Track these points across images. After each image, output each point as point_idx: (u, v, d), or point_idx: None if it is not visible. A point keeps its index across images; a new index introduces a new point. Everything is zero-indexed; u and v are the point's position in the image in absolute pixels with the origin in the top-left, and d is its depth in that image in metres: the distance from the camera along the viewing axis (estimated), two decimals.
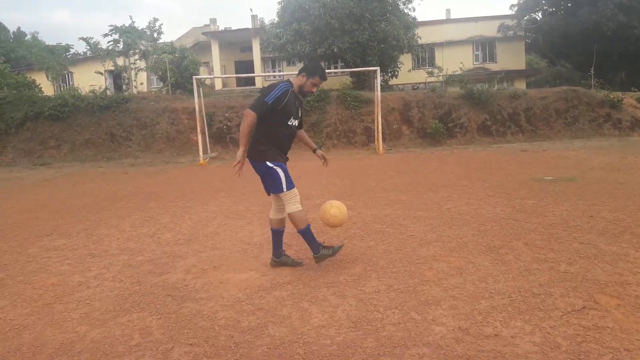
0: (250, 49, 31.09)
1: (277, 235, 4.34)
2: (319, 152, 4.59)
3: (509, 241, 4.81)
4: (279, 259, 4.36)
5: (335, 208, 4.25)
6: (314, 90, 4.16)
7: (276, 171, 4.02)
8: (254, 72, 30.71)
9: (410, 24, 24.68)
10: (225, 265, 4.50)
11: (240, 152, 3.95)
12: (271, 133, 4.05)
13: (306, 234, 4.09)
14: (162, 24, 23.45)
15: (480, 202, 6.81)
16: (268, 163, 4.01)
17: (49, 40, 30.45)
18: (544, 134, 17.49)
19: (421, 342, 2.85)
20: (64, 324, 3.38)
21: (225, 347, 2.91)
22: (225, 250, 5.05)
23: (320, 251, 4.11)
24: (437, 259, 4.36)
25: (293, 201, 4.05)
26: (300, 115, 4.23)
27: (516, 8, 31.35)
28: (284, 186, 4.02)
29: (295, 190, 4.08)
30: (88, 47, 29.09)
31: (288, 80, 4.10)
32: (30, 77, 24.46)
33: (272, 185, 4.09)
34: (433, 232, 5.31)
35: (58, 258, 5.06)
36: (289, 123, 4.09)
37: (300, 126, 4.36)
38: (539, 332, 2.89)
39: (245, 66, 31.80)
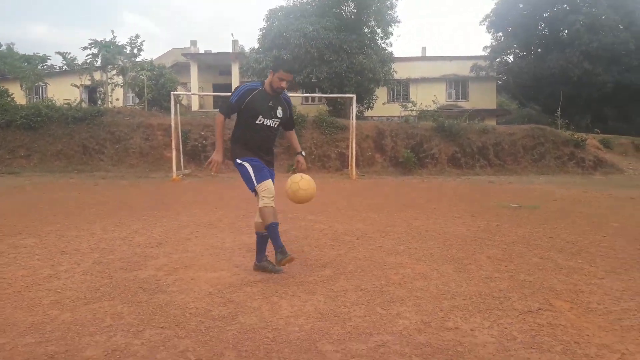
0: (229, 73, 31.39)
1: (261, 239, 4.28)
2: (299, 157, 4.45)
3: (472, 254, 5.02)
4: (260, 263, 4.32)
5: (306, 181, 4.13)
6: (283, 85, 4.05)
7: (244, 166, 4.07)
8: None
9: (387, 59, 25.48)
10: (197, 265, 4.57)
11: (215, 152, 4.12)
12: (240, 132, 4.17)
13: (272, 231, 3.96)
14: (143, 40, 23.42)
15: (447, 222, 7.05)
16: (237, 160, 4.11)
17: (26, 52, 30.53)
18: (511, 168, 18.09)
19: (385, 331, 2.98)
20: (34, 308, 3.39)
21: (196, 330, 2.99)
22: (197, 253, 5.10)
23: (269, 260, 4.27)
24: (404, 265, 4.53)
25: (263, 195, 3.98)
26: (278, 114, 4.16)
27: (489, 50, 32.67)
28: (254, 179, 4.01)
29: (266, 184, 4.00)
30: (64, 62, 29.04)
31: (259, 81, 4.24)
32: (2, 87, 24.13)
33: (245, 181, 4.11)
34: (401, 244, 5.49)
35: (27, 254, 5.02)
36: (258, 122, 4.08)
37: (285, 127, 4.42)
38: (496, 327, 3.06)
39: (223, 89, 32.02)
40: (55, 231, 6.28)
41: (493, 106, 33.34)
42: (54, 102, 19.89)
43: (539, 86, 30.24)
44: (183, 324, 3.09)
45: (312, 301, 3.53)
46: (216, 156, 4.11)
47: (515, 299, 3.60)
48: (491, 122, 29.63)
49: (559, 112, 22.04)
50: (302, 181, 4.13)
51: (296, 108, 21.58)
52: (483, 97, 32.85)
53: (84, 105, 21.86)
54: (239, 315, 3.24)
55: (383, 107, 29.07)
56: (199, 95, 30.75)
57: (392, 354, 2.66)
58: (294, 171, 4.51)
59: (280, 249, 3.94)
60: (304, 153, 4.52)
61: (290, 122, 4.44)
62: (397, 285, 3.91)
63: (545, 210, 8.36)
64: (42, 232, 6.19)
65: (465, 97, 33.72)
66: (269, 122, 4.13)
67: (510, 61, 33.53)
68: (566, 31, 29.24)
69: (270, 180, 4.07)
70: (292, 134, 4.53)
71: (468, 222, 7.00)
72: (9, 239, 5.80)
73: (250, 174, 4.04)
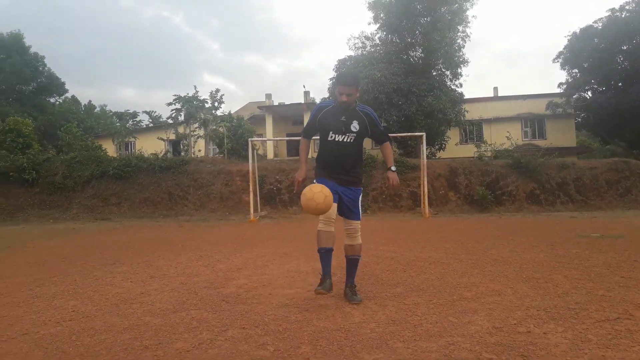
0: (301, 122, 32.46)
1: (348, 262, 4.16)
2: (389, 173, 4.18)
3: (548, 274, 4.91)
4: (346, 287, 4.15)
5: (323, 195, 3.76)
6: (344, 99, 3.94)
7: None
8: None
9: (457, 99, 25.29)
10: (274, 284, 4.81)
11: (297, 171, 4.26)
12: (319, 151, 4.27)
13: (321, 255, 3.98)
14: (223, 94, 24.96)
15: (524, 250, 6.88)
16: (315, 181, 4.11)
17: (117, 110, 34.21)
18: (595, 204, 17.19)
19: (456, 334, 3.04)
20: (129, 316, 3.75)
21: (274, 330, 3.19)
22: (274, 275, 5.35)
23: (325, 285, 3.91)
24: (477, 285, 4.52)
25: (320, 218, 3.95)
26: (352, 129, 4.01)
27: (565, 86, 31.65)
28: None
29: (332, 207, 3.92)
30: (150, 120, 31.48)
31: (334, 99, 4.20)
32: (97, 143, 26.43)
33: None
34: (475, 268, 5.45)
35: (121, 278, 5.50)
36: (329, 138, 4.05)
37: (375, 140, 4.26)
38: (571, 331, 3.02)
39: (297, 139, 33.12)
40: (145, 261, 6.79)
41: (573, 144, 31.93)
42: (142, 153, 21.49)
43: (622, 121, 28.77)
44: (262, 326, 3.31)
45: (384, 311, 3.65)
46: (298, 174, 4.25)
47: (592, 310, 3.51)
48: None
49: None
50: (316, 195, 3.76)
51: (370, 145, 21.86)
52: (561, 135, 31.59)
53: (169, 155, 23.42)
54: (314, 321, 3.41)
55: (456, 148, 28.72)
56: (274, 141, 31.92)
57: (462, 351, 2.72)
58: (390, 184, 4.20)
59: (322, 277, 3.93)
60: (393, 168, 4.18)
61: (376, 134, 4.17)
62: (470, 300, 3.92)
63: (630, 239, 7.92)
64: (133, 262, 6.71)
65: (542, 135, 32.58)
66: (340, 137, 4.03)
67: (588, 97, 32.26)
68: None
69: (334, 204, 3.98)
70: (384, 148, 4.24)
71: (546, 250, 6.79)
72: (104, 267, 6.34)
73: None
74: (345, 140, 4.05)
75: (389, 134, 4.17)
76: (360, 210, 4.15)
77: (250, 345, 2.90)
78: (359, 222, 4.10)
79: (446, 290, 4.29)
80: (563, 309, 3.55)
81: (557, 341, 2.84)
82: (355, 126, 4.03)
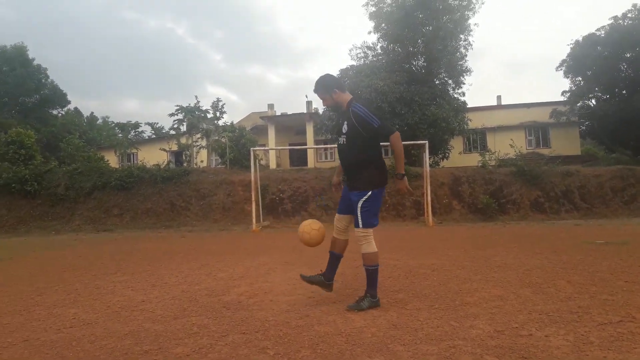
0: (304, 132, 32.56)
1: (368, 273, 4.07)
2: (395, 180, 4.07)
3: (552, 279, 4.90)
4: (366, 298, 4.02)
5: (314, 232, 4.28)
6: (324, 104, 4.25)
7: None
8: (307, 154, 32.13)
9: (460, 108, 25.29)
10: (276, 291, 4.82)
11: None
12: None
13: (330, 257, 4.27)
14: (224, 104, 25.05)
15: (528, 257, 6.86)
16: None
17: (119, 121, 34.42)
18: (600, 211, 17.09)
19: (457, 337, 3.04)
20: (130, 322, 3.77)
21: (275, 335, 3.21)
22: (276, 283, 5.36)
23: (312, 277, 4.30)
24: (480, 290, 4.52)
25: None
26: (343, 130, 4.06)
27: (568, 94, 31.66)
28: None
29: (336, 216, 4.24)
30: (153, 131, 31.62)
31: None
32: (99, 154, 26.54)
33: None
34: (478, 274, 5.45)
35: (122, 287, 5.51)
36: (338, 143, 4.20)
37: (378, 139, 4.08)
38: (573, 334, 3.03)
39: (300, 149, 33.25)
40: (146, 271, 6.80)
41: (577, 152, 31.89)
42: (144, 164, 21.56)
43: (627, 129, 28.71)
44: (263, 331, 3.32)
45: (385, 316, 3.65)
46: (333, 180, 4.61)
47: (595, 313, 3.52)
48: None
49: None
50: (311, 231, 4.29)
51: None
52: (566, 144, 31.57)
53: (171, 166, 23.49)
54: (315, 326, 3.42)
55: (460, 157, 28.73)
56: (276, 151, 31.98)
57: (463, 354, 2.73)
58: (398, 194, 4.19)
59: (322, 274, 4.22)
60: (400, 175, 4.02)
61: (372, 132, 3.91)
62: (472, 305, 3.93)
63: (635, 246, 7.89)
64: (134, 272, 6.73)
65: (546, 144, 32.57)
66: (340, 140, 4.14)
67: (592, 105, 32.23)
68: None
69: (338, 215, 4.22)
70: (391, 145, 3.95)
71: (549, 257, 6.78)
72: (106, 276, 6.36)
73: None
74: (341, 142, 4.13)
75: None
76: (362, 217, 3.95)
77: (251, 350, 2.92)
78: (359, 229, 3.97)
79: (448, 296, 4.29)
80: (565, 313, 3.55)
81: (559, 344, 2.84)
82: (344, 127, 4.05)
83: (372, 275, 4.01)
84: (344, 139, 4.06)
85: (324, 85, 4.08)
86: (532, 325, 3.26)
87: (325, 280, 4.16)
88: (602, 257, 6.56)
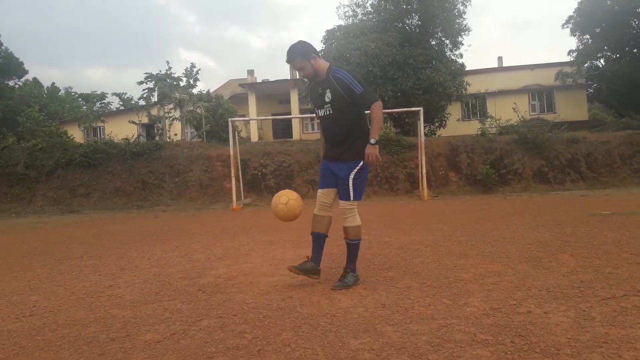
0: (288, 101, 32.35)
1: (349, 246, 4.17)
2: (367, 146, 3.92)
3: (553, 253, 4.97)
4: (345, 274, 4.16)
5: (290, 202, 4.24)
6: (301, 75, 4.10)
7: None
8: (291, 125, 31.99)
9: (458, 71, 25.14)
10: (256, 273, 4.84)
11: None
12: None
13: (313, 239, 4.19)
14: (199, 69, 24.69)
15: (529, 230, 6.95)
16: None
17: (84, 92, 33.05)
18: (607, 181, 17.35)
19: (450, 316, 3.08)
20: (96, 309, 3.76)
21: (254, 319, 3.23)
22: (257, 264, 5.38)
23: (302, 265, 4.13)
24: (475, 266, 4.58)
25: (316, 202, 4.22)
26: (326, 99, 3.99)
27: (575, 54, 31.65)
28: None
29: (319, 192, 4.19)
30: (121, 102, 31.24)
31: None
32: (62, 129, 26.22)
33: None
34: (474, 249, 5.51)
35: (89, 271, 5.49)
36: (318, 114, 4.17)
37: (360, 106, 4.02)
38: (573, 310, 3.08)
39: (283, 119, 33.07)
40: (115, 254, 6.78)
41: (584, 117, 32.09)
42: (112, 139, 21.36)
43: (638, 92, 28.95)
44: (241, 314, 3.34)
45: (374, 295, 3.69)
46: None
47: (597, 288, 3.57)
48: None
49: None
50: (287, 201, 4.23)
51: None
52: (572, 108, 31.71)
53: (142, 140, 23.30)
54: (298, 307, 3.45)
55: (458, 124, 28.75)
56: (258, 122, 31.78)
57: (455, 333, 2.77)
58: (368, 164, 3.98)
59: (308, 259, 4.11)
60: (373, 141, 3.91)
61: (355, 99, 3.92)
62: (467, 282, 3.97)
63: None
64: (102, 255, 6.71)
65: (551, 109, 32.69)
66: (322, 111, 4.09)
67: (601, 65, 32.33)
68: None
69: (322, 189, 4.17)
70: (370, 113, 3.94)
71: (552, 229, 6.87)
72: (70, 261, 6.34)
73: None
74: (325, 113, 4.08)
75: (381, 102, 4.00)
76: (353, 190, 4.02)
77: (227, 334, 2.93)
78: (347, 202, 4.03)
79: (441, 273, 4.34)
80: (567, 288, 3.60)
81: (559, 320, 2.89)
82: (328, 96, 4.00)
83: (355, 249, 4.12)
84: (329, 109, 4.03)
85: (303, 52, 3.96)
86: (530, 301, 3.31)
87: (316, 265, 4.13)
88: (608, 228, 6.66)
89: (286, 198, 4.23)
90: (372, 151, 3.90)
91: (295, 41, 4.05)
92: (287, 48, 3.97)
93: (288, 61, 4.02)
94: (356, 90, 3.87)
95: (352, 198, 4.00)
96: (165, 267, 5.44)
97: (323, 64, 4.03)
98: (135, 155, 19.69)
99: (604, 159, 18.12)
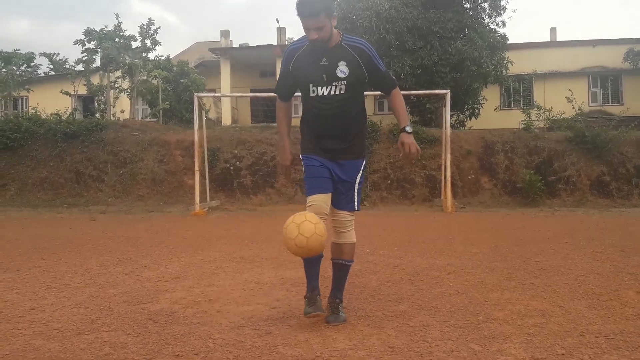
0: (273, 74, 32.24)
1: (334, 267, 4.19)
2: (402, 136, 3.88)
3: (615, 290, 5.03)
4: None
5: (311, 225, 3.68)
6: (314, 36, 3.71)
7: (305, 167, 4.05)
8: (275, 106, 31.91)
9: (499, 45, 24.91)
10: (225, 299, 4.85)
11: (280, 154, 4.33)
12: (303, 113, 4.18)
13: (305, 263, 4.03)
14: (158, 27, 24.57)
15: (583, 257, 7.02)
16: (301, 156, 4.09)
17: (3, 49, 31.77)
18: None
19: None
20: (12, 338, 3.75)
21: (222, 358, 3.23)
22: (225, 287, 5.40)
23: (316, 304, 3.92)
24: (513, 302, 4.61)
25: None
26: (339, 74, 3.85)
27: None
28: (307, 188, 4.05)
29: (313, 199, 3.93)
30: (51, 65, 31.02)
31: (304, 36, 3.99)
32: None
33: None
34: (511, 280, 5.56)
35: (3, 288, 5.49)
36: (312, 94, 3.94)
37: (376, 88, 4.17)
38: None
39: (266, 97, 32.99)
40: (38, 267, 6.78)
41: None
42: (38, 113, 21.24)
43: None
44: (204, 353, 3.35)
45: (379, 335, 3.71)
46: (281, 157, 4.30)
47: None
48: None
49: None
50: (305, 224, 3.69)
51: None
52: None
53: (77, 116, 23.19)
54: (279, 347, 3.46)
55: (495, 114, 28.74)
56: (232, 99, 31.70)
57: None
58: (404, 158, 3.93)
59: (309, 293, 3.97)
60: (409, 129, 3.88)
61: (377, 79, 3.98)
62: (501, 322, 4.00)
63: None
64: (21, 267, 6.71)
65: (617, 99, 32.76)
66: (325, 89, 3.88)
67: None
68: None
69: (319, 195, 3.92)
70: (393, 99, 4.01)
71: (615, 258, 6.95)
72: None
73: (305, 180, 4.05)
74: (332, 92, 3.90)
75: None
76: (358, 196, 4.04)
77: None
78: (349, 212, 4.03)
79: (469, 309, 4.37)
80: (632, 335, 3.64)
81: None
82: (342, 70, 3.85)
83: (347, 273, 4.18)
84: (341, 87, 3.89)
85: (327, 7, 3.72)
86: (584, 351, 3.34)
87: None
88: None
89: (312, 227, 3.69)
90: (410, 140, 3.83)
91: None
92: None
93: (309, 14, 3.67)
94: (382, 66, 3.87)
95: (357, 207, 4.02)
96: (105, 287, 5.44)
97: (334, 29, 3.87)
98: (68, 136, 19.59)
99: None
